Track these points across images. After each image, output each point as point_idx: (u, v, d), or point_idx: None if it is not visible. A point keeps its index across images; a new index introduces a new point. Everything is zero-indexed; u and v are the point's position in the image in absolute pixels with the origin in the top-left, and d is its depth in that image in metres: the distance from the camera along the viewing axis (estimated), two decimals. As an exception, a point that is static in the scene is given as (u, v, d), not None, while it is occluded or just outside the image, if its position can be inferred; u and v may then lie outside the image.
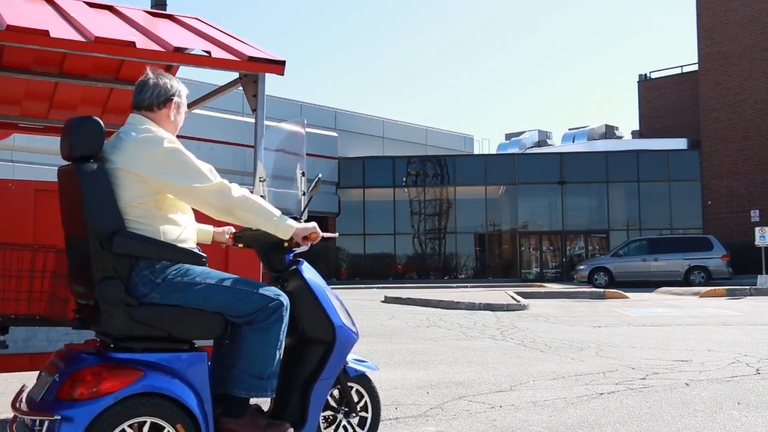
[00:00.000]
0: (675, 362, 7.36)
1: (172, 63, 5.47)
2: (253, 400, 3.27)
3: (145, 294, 2.99)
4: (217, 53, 4.87)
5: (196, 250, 3.20)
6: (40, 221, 4.96)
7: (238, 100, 27.47)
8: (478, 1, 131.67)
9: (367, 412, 3.71)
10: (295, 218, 3.39)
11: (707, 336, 9.71)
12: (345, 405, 3.64)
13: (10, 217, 4.87)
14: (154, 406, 2.89)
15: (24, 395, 3.11)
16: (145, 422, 2.88)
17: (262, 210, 3.16)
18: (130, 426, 2.85)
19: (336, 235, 3.96)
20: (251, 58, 4.87)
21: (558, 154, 32.68)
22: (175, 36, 5.10)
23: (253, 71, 4.93)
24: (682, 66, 36.14)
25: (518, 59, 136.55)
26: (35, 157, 22.73)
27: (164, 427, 2.91)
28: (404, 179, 32.60)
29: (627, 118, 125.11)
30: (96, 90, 6.69)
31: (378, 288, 25.95)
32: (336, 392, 3.63)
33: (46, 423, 2.78)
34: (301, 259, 3.52)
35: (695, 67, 33.15)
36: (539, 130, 41.29)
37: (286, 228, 3.20)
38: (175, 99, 3.22)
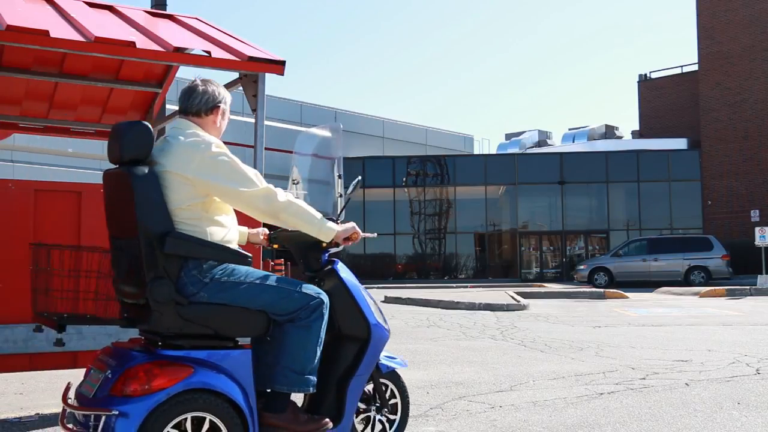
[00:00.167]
0: (675, 362, 7.36)
1: (172, 63, 5.47)
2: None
3: (194, 293, 3.09)
4: (217, 53, 4.88)
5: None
6: (40, 221, 4.96)
7: (238, 100, 27.43)
8: (478, 1, 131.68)
9: (397, 407, 3.83)
10: (331, 219, 3.51)
11: (707, 336, 9.71)
12: (377, 400, 3.76)
13: (10, 217, 4.87)
14: (205, 402, 2.99)
15: (72, 391, 3.22)
16: (195, 417, 2.98)
17: (306, 214, 3.28)
18: (182, 421, 2.95)
19: (374, 235, 4.04)
20: (251, 58, 4.87)
21: (558, 154, 32.66)
22: (175, 36, 5.10)
23: (253, 71, 4.93)
24: (682, 66, 36.13)
25: (518, 59, 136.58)
26: (35, 157, 22.74)
27: (213, 422, 3.01)
28: (404, 179, 32.59)
29: (627, 118, 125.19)
30: (96, 90, 6.70)
31: (378, 288, 25.93)
32: (369, 388, 3.75)
33: (103, 418, 2.86)
34: (335, 259, 3.64)
35: (695, 67, 33.14)
36: (539, 130, 41.27)
37: (327, 231, 3.33)
38: (222, 106, 3.33)
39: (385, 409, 3.77)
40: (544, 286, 24.55)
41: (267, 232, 3.74)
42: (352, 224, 3.46)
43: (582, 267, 25.69)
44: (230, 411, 3.04)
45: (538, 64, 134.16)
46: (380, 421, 3.76)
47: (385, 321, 3.67)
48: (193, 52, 4.96)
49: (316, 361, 3.27)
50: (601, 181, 31.21)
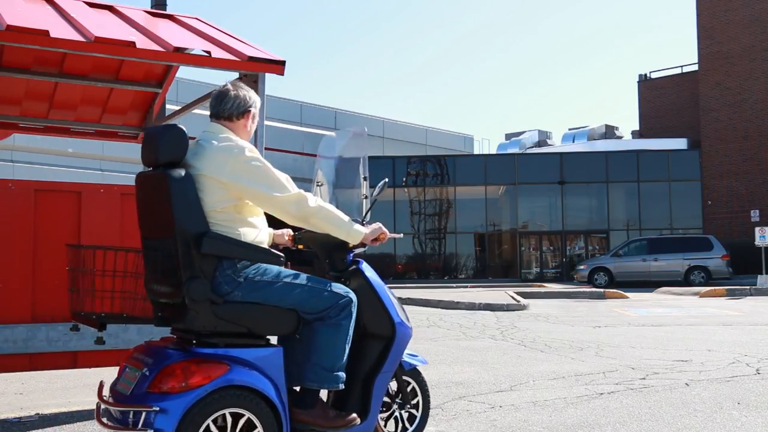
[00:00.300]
0: (675, 362, 7.36)
1: (172, 63, 5.47)
2: None
3: (229, 292, 3.17)
4: (217, 53, 4.87)
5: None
6: (40, 221, 4.96)
7: (238, 100, 27.39)
8: (478, 1, 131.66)
9: (418, 403, 3.92)
10: (356, 221, 3.56)
11: (707, 336, 9.71)
12: (400, 397, 3.86)
13: (10, 217, 4.87)
14: (240, 398, 3.08)
15: (106, 388, 3.30)
16: (231, 413, 3.07)
17: (336, 218, 3.37)
18: (219, 417, 3.04)
19: (401, 235, 4.11)
20: (251, 58, 4.86)
21: (558, 154, 32.63)
22: (175, 36, 5.10)
23: (253, 71, 4.93)
24: (682, 66, 36.11)
25: (518, 59, 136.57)
26: (35, 157, 22.73)
27: (249, 419, 3.09)
28: (404, 179, 32.57)
29: (627, 118, 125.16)
30: (96, 90, 6.69)
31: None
32: (391, 385, 3.83)
33: (143, 414, 2.95)
34: (360, 259, 3.74)
35: (695, 67, 33.12)
36: (539, 130, 41.24)
37: (356, 234, 3.42)
38: (252, 110, 3.41)
39: (408, 406, 3.87)
40: (544, 286, 24.54)
41: (291, 233, 3.81)
42: (378, 225, 3.55)
43: (582, 267, 25.68)
44: (264, 407, 3.13)
45: (538, 64, 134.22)
46: (402, 417, 3.86)
47: (407, 319, 3.75)
48: (193, 52, 4.96)
49: (344, 358, 3.35)
50: (601, 181, 31.19)
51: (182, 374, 3.01)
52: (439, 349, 8.67)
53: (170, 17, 5.91)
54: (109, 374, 6.51)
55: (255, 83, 4.92)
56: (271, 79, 5.06)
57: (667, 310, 14.51)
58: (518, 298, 17.04)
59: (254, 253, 3.23)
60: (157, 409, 2.93)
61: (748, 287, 20.10)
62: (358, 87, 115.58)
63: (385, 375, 3.59)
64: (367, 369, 3.58)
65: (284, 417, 3.18)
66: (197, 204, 3.13)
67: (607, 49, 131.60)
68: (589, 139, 37.89)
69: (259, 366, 3.17)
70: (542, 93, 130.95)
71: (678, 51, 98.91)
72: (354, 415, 3.42)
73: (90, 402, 5.50)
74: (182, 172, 3.12)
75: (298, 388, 3.42)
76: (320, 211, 3.31)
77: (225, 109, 3.33)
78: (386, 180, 3.84)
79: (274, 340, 3.47)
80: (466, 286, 26.00)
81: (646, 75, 37.44)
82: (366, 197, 3.81)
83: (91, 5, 5.50)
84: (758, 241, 20.91)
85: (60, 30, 4.47)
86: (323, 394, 3.58)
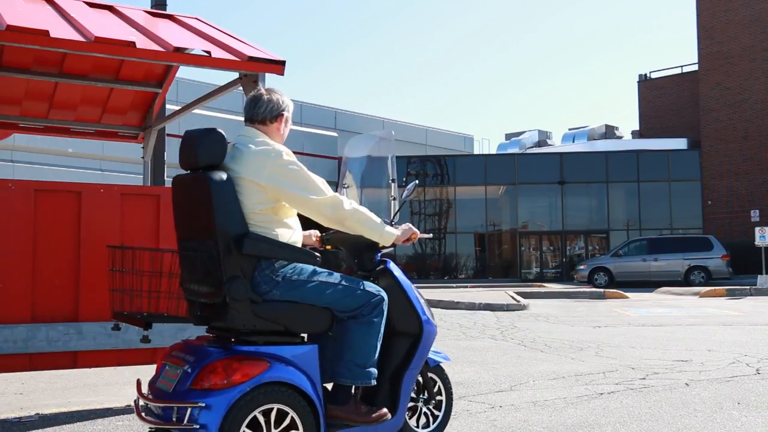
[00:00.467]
0: (675, 362, 7.36)
1: (172, 63, 5.47)
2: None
3: (267, 291, 3.25)
4: (217, 53, 4.87)
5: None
6: (40, 221, 4.96)
7: (238, 100, 27.50)
8: (478, 1, 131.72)
9: (442, 400, 4.04)
10: (385, 221, 3.63)
11: (707, 336, 9.71)
12: (424, 393, 3.97)
13: (9, 217, 4.86)
14: (281, 394, 3.17)
15: (144, 385, 3.37)
16: (272, 409, 3.15)
17: (369, 221, 3.46)
18: (260, 412, 3.11)
19: (430, 235, 4.20)
20: (251, 58, 4.86)
21: (558, 154, 32.63)
22: (175, 36, 5.10)
23: (253, 71, 4.93)
24: (682, 66, 36.11)
25: (518, 59, 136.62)
26: (35, 157, 22.71)
27: (288, 414, 3.17)
28: (404, 179, 32.60)
29: (627, 118, 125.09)
30: (96, 90, 6.70)
31: (378, 288, 25.93)
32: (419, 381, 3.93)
33: (188, 410, 3.02)
34: (387, 259, 3.83)
35: (695, 67, 33.12)
36: (539, 130, 41.23)
37: (388, 235, 3.52)
38: (285, 114, 3.51)
39: (432, 401, 3.97)
40: (544, 286, 24.54)
41: (318, 234, 3.89)
42: (408, 225, 3.66)
43: (582, 267, 25.68)
44: (303, 403, 3.21)
45: (538, 64, 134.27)
46: (426, 412, 3.96)
47: (432, 317, 3.83)
48: (193, 52, 4.96)
49: (376, 355, 3.44)
50: (601, 181, 31.20)
51: (224, 371, 3.07)
52: (439, 349, 8.66)
53: (170, 17, 5.91)
54: (109, 374, 6.52)
55: (255, 83, 4.92)
56: (271, 79, 5.05)
57: (667, 310, 14.51)
58: (518, 298, 17.04)
59: (292, 253, 3.32)
60: (202, 405, 3.00)
61: (748, 287, 20.11)
62: (358, 87, 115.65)
63: (412, 371, 3.68)
64: (396, 365, 3.67)
65: (321, 412, 3.26)
66: (237, 206, 3.20)
67: (607, 49, 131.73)
68: (589, 139, 37.89)
69: (297, 363, 3.25)
70: (542, 93, 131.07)
71: (678, 51, 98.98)
72: (385, 410, 3.51)
73: (89, 402, 5.51)
74: (223, 176, 3.18)
75: (329, 385, 3.51)
76: (355, 213, 3.40)
77: (259, 113, 3.42)
78: (416, 182, 3.93)
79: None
80: (466, 286, 26.00)
81: (646, 75, 37.44)
82: (394, 198, 3.90)
83: (91, 5, 5.50)
84: (758, 241, 20.91)
85: (60, 30, 4.47)
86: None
